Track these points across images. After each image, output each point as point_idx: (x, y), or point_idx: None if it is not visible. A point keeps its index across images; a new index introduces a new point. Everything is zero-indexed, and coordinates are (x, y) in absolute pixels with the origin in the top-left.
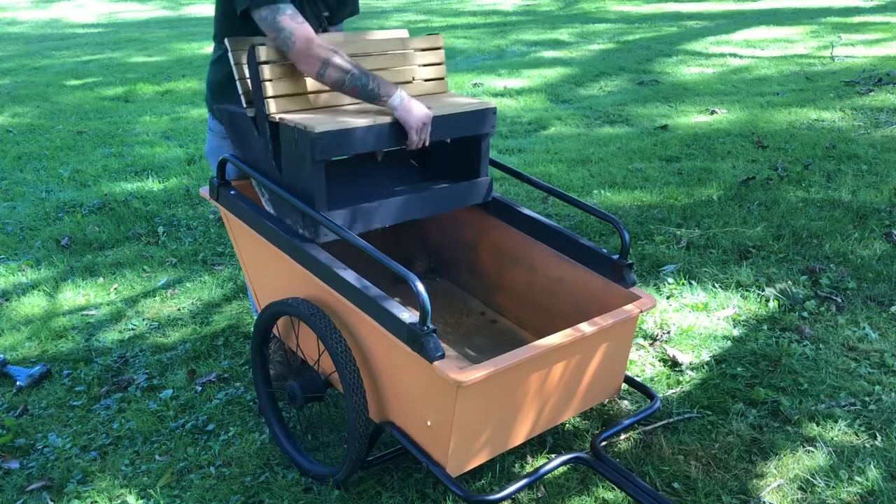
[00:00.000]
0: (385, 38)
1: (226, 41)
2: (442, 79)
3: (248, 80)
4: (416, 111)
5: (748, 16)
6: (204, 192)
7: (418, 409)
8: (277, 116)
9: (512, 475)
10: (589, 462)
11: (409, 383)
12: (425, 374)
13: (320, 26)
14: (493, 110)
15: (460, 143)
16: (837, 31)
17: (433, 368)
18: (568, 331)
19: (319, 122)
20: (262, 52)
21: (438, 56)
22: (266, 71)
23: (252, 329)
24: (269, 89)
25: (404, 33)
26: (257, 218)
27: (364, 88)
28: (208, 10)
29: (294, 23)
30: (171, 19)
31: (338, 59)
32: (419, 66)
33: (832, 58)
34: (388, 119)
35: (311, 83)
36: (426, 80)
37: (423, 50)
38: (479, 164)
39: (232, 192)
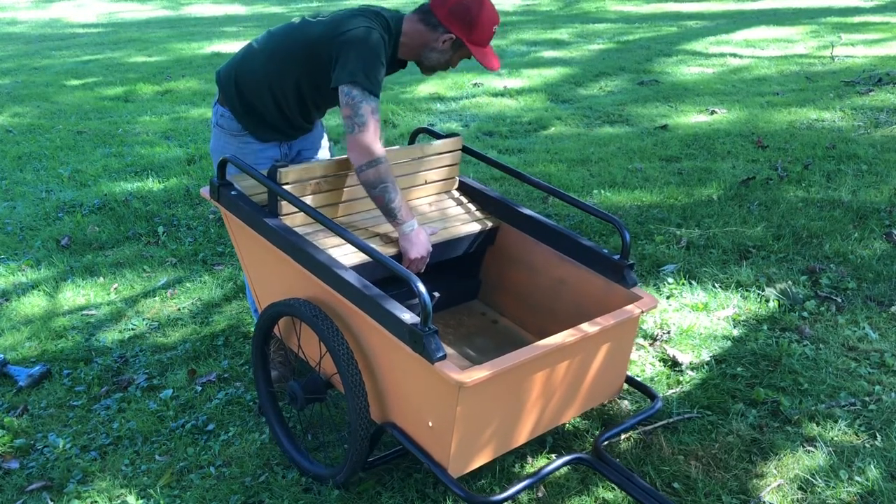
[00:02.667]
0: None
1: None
2: (453, 178)
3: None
4: (419, 246)
5: (748, 16)
6: (204, 192)
7: (420, 409)
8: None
9: (512, 475)
10: (590, 463)
11: (411, 384)
12: (427, 375)
13: None
14: (495, 229)
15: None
16: (837, 31)
17: (435, 369)
18: (569, 331)
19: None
20: (282, 176)
21: (454, 158)
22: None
23: (252, 329)
24: (285, 207)
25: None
26: (258, 218)
27: (388, 203)
28: (208, 10)
29: (371, 116)
30: (171, 19)
31: (383, 167)
32: (433, 169)
33: (832, 58)
34: (393, 250)
35: (324, 200)
36: (438, 181)
37: (441, 154)
38: (478, 268)
39: (232, 193)
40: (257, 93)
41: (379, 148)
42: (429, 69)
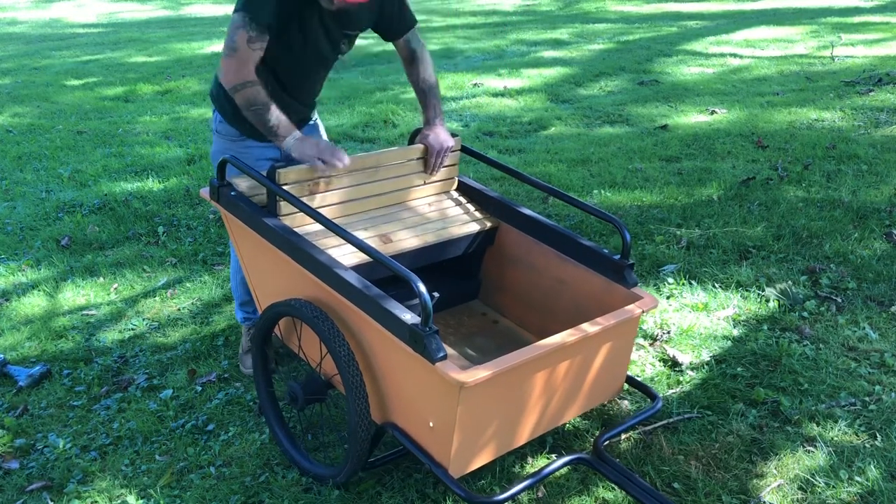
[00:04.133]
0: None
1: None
2: (452, 178)
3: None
4: (310, 147)
5: (748, 16)
6: (204, 193)
7: (420, 410)
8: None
9: (513, 476)
10: (591, 463)
11: (411, 384)
12: (427, 375)
13: (336, 53)
14: (494, 229)
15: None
16: (837, 31)
17: (435, 369)
18: (570, 331)
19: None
20: (281, 176)
21: (453, 158)
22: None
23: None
24: (284, 208)
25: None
26: (258, 219)
27: (265, 123)
28: (208, 10)
29: (246, 44)
30: (171, 19)
31: (251, 90)
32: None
33: (832, 58)
34: (393, 250)
35: (323, 200)
36: (436, 182)
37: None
38: (478, 268)
39: (232, 194)
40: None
41: (247, 73)
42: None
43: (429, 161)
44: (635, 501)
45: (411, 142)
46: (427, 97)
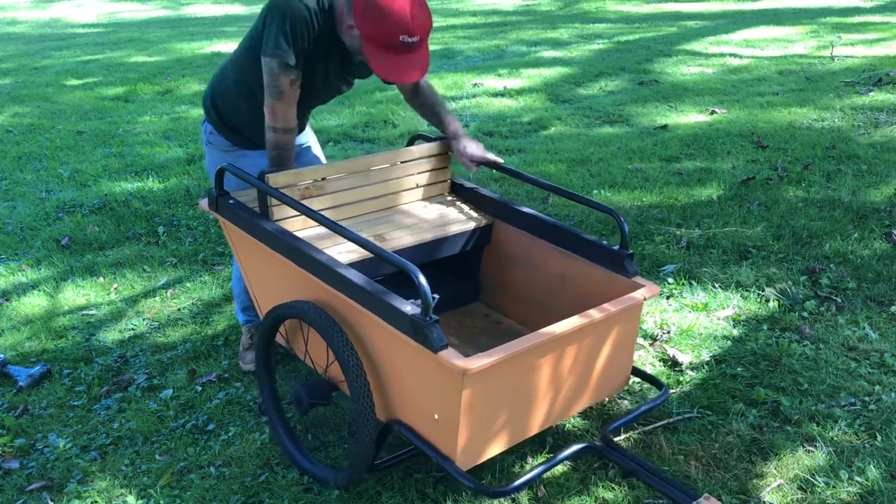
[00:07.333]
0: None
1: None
2: (445, 181)
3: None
4: None
5: (748, 16)
6: (203, 203)
7: (425, 403)
8: None
9: (512, 475)
10: (601, 451)
11: (415, 377)
12: (430, 365)
13: (333, 93)
14: (489, 226)
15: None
16: (837, 31)
17: (438, 358)
18: (574, 317)
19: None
20: (271, 181)
21: (444, 161)
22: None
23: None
24: (276, 213)
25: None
26: (256, 224)
27: (279, 166)
28: (208, 10)
29: (289, 86)
30: (171, 19)
31: (288, 137)
32: (423, 172)
33: (832, 58)
34: (388, 247)
35: (312, 205)
36: (429, 185)
37: (430, 157)
38: (478, 268)
39: (231, 202)
40: (233, 105)
41: (290, 118)
42: (355, 56)
43: (471, 164)
44: (647, 488)
45: (410, 144)
46: (441, 113)
